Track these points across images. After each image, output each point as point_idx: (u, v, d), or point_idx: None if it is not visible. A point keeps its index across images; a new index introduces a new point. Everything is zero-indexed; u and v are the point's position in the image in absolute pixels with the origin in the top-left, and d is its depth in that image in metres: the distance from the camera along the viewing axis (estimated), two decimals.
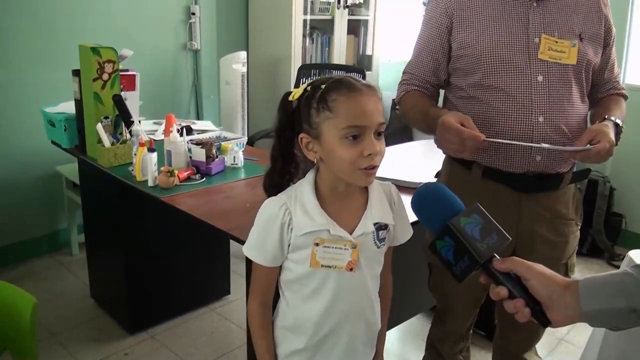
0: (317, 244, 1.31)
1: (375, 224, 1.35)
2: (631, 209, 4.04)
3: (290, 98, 1.32)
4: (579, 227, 1.83)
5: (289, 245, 1.33)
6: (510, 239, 1.09)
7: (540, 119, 1.63)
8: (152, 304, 2.88)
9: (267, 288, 1.41)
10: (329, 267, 1.33)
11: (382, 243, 1.38)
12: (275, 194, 1.35)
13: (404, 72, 1.85)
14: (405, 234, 1.47)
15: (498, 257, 1.07)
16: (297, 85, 3.78)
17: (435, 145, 1.87)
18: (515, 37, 1.64)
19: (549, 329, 2.70)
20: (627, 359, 1.98)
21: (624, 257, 2.09)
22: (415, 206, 1.18)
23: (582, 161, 1.61)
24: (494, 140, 1.57)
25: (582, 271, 3.77)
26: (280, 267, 1.39)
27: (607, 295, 1.01)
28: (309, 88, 1.29)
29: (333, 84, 1.26)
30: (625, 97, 1.80)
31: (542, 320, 1.04)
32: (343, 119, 1.23)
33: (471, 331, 2.04)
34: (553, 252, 1.76)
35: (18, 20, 3.32)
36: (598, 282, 1.03)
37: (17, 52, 3.35)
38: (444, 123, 1.53)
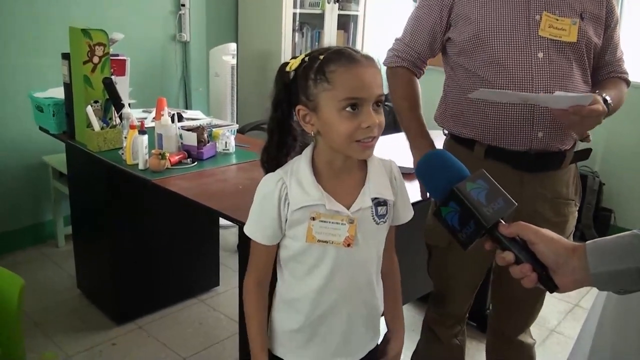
0: (313, 218, 1.28)
1: (373, 200, 1.32)
2: (620, 204, 4.07)
3: (287, 69, 1.27)
4: (578, 208, 1.83)
5: (286, 221, 1.30)
6: (517, 204, 1.07)
7: (541, 94, 1.61)
8: (140, 295, 2.83)
9: (264, 267, 1.38)
10: (326, 242, 1.30)
11: (382, 220, 1.35)
12: (273, 169, 1.32)
13: (396, 40, 1.83)
14: (407, 213, 1.44)
15: (504, 223, 1.06)
16: None
17: (435, 121, 1.88)
18: (517, 13, 1.63)
19: (539, 320, 2.70)
20: (619, 351, 1.96)
21: None
22: (420, 172, 1.18)
23: (571, 122, 1.55)
24: (498, 90, 1.58)
25: None
26: (278, 245, 1.36)
27: (616, 257, 0.99)
28: (306, 58, 1.25)
29: (331, 55, 1.22)
30: (627, 82, 1.80)
31: (549, 285, 1.03)
32: (341, 91, 1.20)
33: (467, 316, 2.02)
34: (554, 231, 1.74)
35: (7, 6, 3.27)
36: (606, 245, 1.01)
37: (6, 37, 3.30)
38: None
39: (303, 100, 1.25)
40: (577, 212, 1.83)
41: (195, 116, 3.02)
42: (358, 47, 5.01)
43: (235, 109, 4.00)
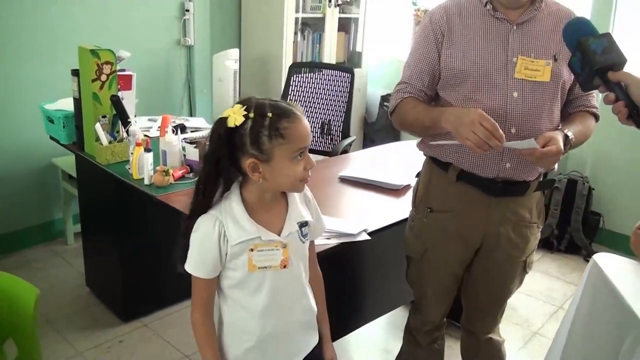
0: (251, 250, 1.47)
1: (298, 223, 1.54)
2: (609, 209, 4.19)
3: (230, 124, 1.39)
4: (540, 229, 2.01)
5: (226, 255, 1.47)
6: (627, 59, 1.43)
7: (513, 130, 1.77)
8: (146, 293, 3.00)
9: (209, 299, 1.54)
10: (265, 267, 1.49)
11: (306, 238, 1.57)
12: (201, 214, 1.47)
13: (399, 83, 1.96)
14: (321, 227, 1.67)
15: (613, 72, 1.40)
16: (287, 83, 3.89)
17: (417, 148, 2.02)
18: (496, 56, 1.79)
19: (523, 322, 2.84)
20: (588, 354, 2.12)
21: None
22: (566, 30, 1.55)
23: (530, 159, 1.71)
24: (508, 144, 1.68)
25: (560, 268, 3.94)
26: (219, 276, 1.52)
27: None
28: (250, 115, 1.38)
29: (278, 112, 1.39)
30: (595, 116, 1.93)
31: (636, 120, 1.37)
32: (294, 143, 1.40)
33: (445, 321, 2.20)
34: (515, 250, 1.95)
35: (17, 18, 3.41)
36: None
37: (15, 46, 3.45)
38: (482, 114, 1.62)
39: (254, 154, 1.40)
40: (539, 233, 2.01)
41: (198, 125, 3.16)
42: (358, 48, 5.17)
43: None
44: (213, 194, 1.47)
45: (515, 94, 1.77)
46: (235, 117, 1.38)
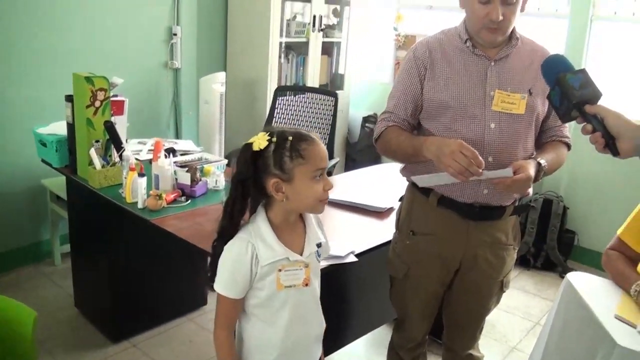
0: (279, 270, 1.59)
1: (316, 244, 1.68)
2: (583, 227, 4.35)
3: (255, 148, 1.54)
4: (516, 251, 2.14)
5: (255, 275, 1.58)
6: (602, 94, 1.52)
7: (490, 159, 1.90)
8: (134, 314, 3.06)
9: (234, 317, 1.66)
10: (290, 286, 1.62)
11: (320, 257, 1.72)
12: (230, 238, 1.60)
13: (383, 112, 2.07)
14: (327, 250, 1.81)
15: (590, 105, 1.50)
16: (273, 105, 4.00)
17: (400, 173, 2.14)
18: (475, 90, 1.92)
19: (501, 338, 2.96)
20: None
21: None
22: (544, 66, 1.66)
23: (499, 189, 1.84)
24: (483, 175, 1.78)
25: (537, 284, 4.06)
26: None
27: None
28: (273, 139, 1.54)
29: (298, 136, 1.55)
30: (567, 145, 2.06)
31: (612, 149, 1.48)
32: (313, 164, 1.55)
33: (427, 338, 2.31)
34: (492, 271, 2.07)
35: (9, 41, 3.49)
36: None
37: (9, 73, 3.52)
38: (462, 143, 1.73)
39: (277, 174, 1.54)
40: (515, 255, 2.14)
41: (187, 148, 3.24)
42: (341, 70, 5.30)
43: (224, 135, 4.24)
44: (240, 216, 1.60)
45: (492, 125, 1.90)
46: (260, 141, 1.53)
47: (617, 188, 4.11)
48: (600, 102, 1.54)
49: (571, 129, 2.06)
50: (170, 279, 3.18)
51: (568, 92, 1.51)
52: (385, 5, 5.38)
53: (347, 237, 2.34)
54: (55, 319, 3.20)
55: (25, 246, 3.80)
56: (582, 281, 2.16)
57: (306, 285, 1.64)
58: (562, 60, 1.64)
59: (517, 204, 2.05)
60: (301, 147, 1.53)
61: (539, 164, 1.85)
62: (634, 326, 1.87)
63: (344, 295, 2.46)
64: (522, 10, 1.90)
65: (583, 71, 1.55)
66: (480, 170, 1.71)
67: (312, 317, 1.71)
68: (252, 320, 1.66)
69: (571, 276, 2.20)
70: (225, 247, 1.59)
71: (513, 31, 1.95)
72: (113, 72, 3.05)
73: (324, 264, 2.06)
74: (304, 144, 1.54)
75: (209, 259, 1.69)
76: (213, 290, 1.62)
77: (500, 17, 1.82)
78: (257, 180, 1.56)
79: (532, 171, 1.79)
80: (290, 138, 1.53)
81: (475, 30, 1.92)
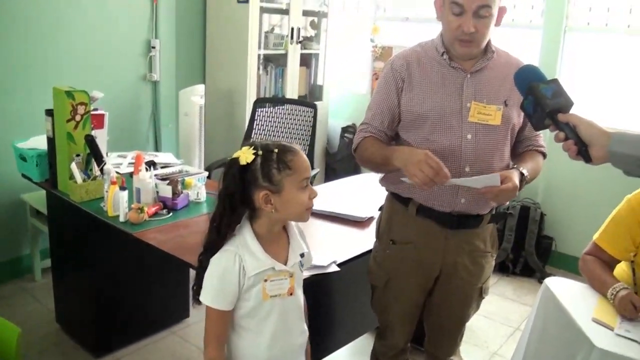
0: (265, 280, 1.63)
1: (300, 254, 1.71)
2: (560, 232, 4.42)
3: (242, 162, 1.57)
4: (494, 258, 2.18)
5: (242, 286, 1.62)
6: (574, 102, 1.56)
7: (467, 169, 1.94)
8: (117, 328, 3.04)
9: (223, 333, 1.67)
10: (276, 296, 1.65)
11: (303, 267, 1.76)
12: (216, 251, 1.62)
13: (361, 123, 2.13)
14: (310, 259, 1.83)
15: (563, 114, 1.54)
16: (252, 117, 4.02)
17: (380, 184, 2.17)
18: (451, 102, 1.96)
19: (482, 344, 3.00)
20: None
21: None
22: (517, 76, 1.69)
23: (487, 197, 1.89)
24: (453, 181, 1.83)
25: (516, 290, 4.11)
26: None
27: (629, 143, 1.46)
28: (259, 152, 1.57)
29: (283, 149, 1.59)
30: (543, 154, 2.12)
31: (585, 156, 1.51)
32: (300, 173, 1.59)
33: (409, 346, 2.34)
34: (471, 277, 2.11)
35: None
36: (628, 135, 1.48)
37: None
38: (428, 154, 1.78)
39: (265, 186, 1.57)
40: (493, 262, 2.19)
41: (167, 161, 3.25)
42: (319, 81, 5.34)
43: (203, 147, 4.25)
44: (228, 230, 1.62)
45: (469, 136, 1.95)
46: (246, 156, 1.56)
47: (592, 194, 4.18)
48: (572, 111, 1.58)
49: (546, 138, 2.11)
50: (152, 292, 3.17)
51: (541, 101, 1.55)
52: (362, 17, 5.45)
53: (328, 247, 2.37)
54: (37, 335, 3.17)
55: (4, 262, 3.76)
56: (560, 286, 2.21)
57: (291, 294, 1.68)
58: (534, 70, 1.68)
59: (494, 212, 2.09)
60: (287, 159, 1.57)
61: (521, 173, 1.90)
62: (611, 328, 1.92)
63: (326, 305, 2.48)
64: (497, 24, 1.95)
65: (555, 81, 1.60)
66: (446, 180, 1.77)
67: (295, 326, 1.74)
68: (238, 330, 1.68)
69: (549, 281, 2.26)
70: (213, 260, 1.61)
71: (489, 44, 2.01)
72: (92, 85, 3.05)
73: (306, 274, 2.08)
74: (290, 155, 1.58)
75: (195, 273, 1.70)
76: (199, 303, 1.64)
77: (472, 29, 1.87)
78: (245, 193, 1.59)
79: (517, 181, 1.84)
80: (276, 150, 1.57)
81: (449, 42, 1.97)
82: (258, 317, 1.65)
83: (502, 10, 1.94)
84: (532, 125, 1.67)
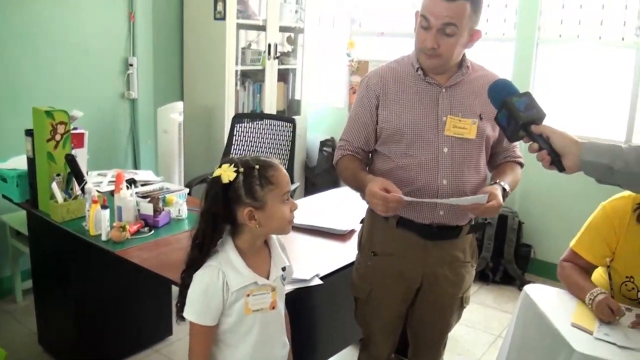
0: (248, 295, 1.64)
1: (282, 267, 1.74)
2: (538, 240, 4.49)
3: (225, 181, 1.59)
4: (474, 268, 2.22)
5: (226, 301, 1.63)
6: (546, 114, 1.61)
7: (445, 181, 1.99)
8: (100, 348, 3.01)
9: (209, 346, 1.69)
10: (258, 310, 1.67)
11: (285, 281, 1.78)
12: (198, 268, 1.64)
13: (340, 140, 2.18)
14: (291, 272, 1.85)
15: (536, 125, 1.59)
16: (231, 133, 4.04)
17: (361, 197, 2.20)
18: (427, 116, 2.01)
19: (465, 352, 3.03)
20: None
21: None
22: (490, 90, 1.75)
23: (473, 214, 1.97)
24: (412, 199, 1.89)
25: (496, 298, 4.16)
26: None
27: (599, 152, 1.51)
28: (240, 169, 1.59)
29: (263, 164, 1.62)
30: (521, 165, 2.18)
31: (558, 166, 1.57)
32: (281, 187, 1.63)
33: (393, 356, 2.36)
34: (452, 288, 2.14)
35: None
36: (598, 144, 1.54)
37: None
38: (370, 191, 1.86)
39: (249, 202, 1.59)
40: (473, 272, 2.22)
41: (147, 178, 3.25)
42: (297, 96, 5.38)
43: (183, 163, 4.25)
44: (210, 248, 1.63)
45: (445, 150, 1.99)
46: (228, 174, 1.58)
47: (568, 202, 4.25)
48: (545, 122, 1.62)
49: (522, 148, 2.16)
50: (135, 310, 3.16)
51: (514, 114, 1.60)
52: (337, 32, 5.51)
53: (310, 260, 2.39)
54: (20, 357, 3.14)
55: None
56: (539, 293, 2.25)
57: (273, 308, 1.70)
58: (507, 84, 1.73)
59: (472, 222, 2.13)
60: (269, 174, 1.60)
61: (504, 189, 1.95)
62: (590, 332, 1.96)
63: (309, 318, 2.50)
64: (468, 46, 2.00)
65: (527, 94, 1.65)
66: (404, 199, 1.85)
67: (276, 339, 1.76)
68: (220, 345, 1.70)
69: (528, 288, 2.29)
70: (196, 276, 1.63)
71: (463, 59, 2.05)
72: (70, 104, 3.05)
73: (289, 287, 2.10)
74: (271, 170, 1.61)
75: (178, 290, 1.71)
76: (183, 320, 1.65)
77: (435, 45, 1.92)
78: (228, 211, 1.61)
79: (501, 198, 1.88)
80: (257, 166, 1.60)
81: (417, 52, 2.03)
82: (240, 331, 1.67)
83: (475, 34, 1.98)
84: (507, 137, 1.71)
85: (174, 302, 3.30)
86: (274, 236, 1.78)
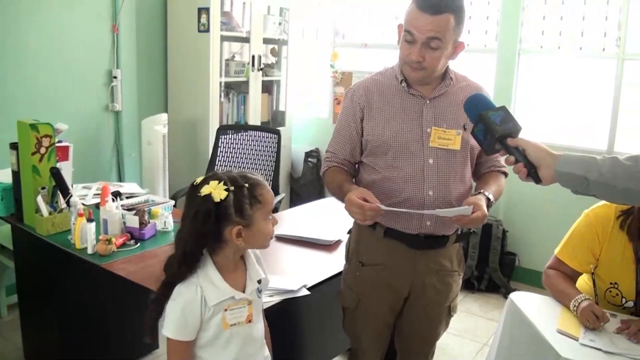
0: (225, 310, 1.65)
1: (257, 280, 1.74)
2: (523, 248, 4.53)
3: (216, 200, 1.57)
4: (461, 277, 2.23)
5: (204, 316, 1.63)
6: (522, 127, 1.64)
7: (430, 192, 2.01)
8: None
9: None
10: (235, 324, 1.67)
11: (261, 293, 1.78)
12: (180, 281, 1.63)
13: (326, 151, 2.20)
14: (266, 283, 1.85)
15: (512, 138, 1.62)
16: (216, 144, 4.04)
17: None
18: (412, 128, 2.03)
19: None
20: None
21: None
22: (466, 105, 1.77)
23: (458, 225, 1.99)
24: (392, 209, 1.91)
25: (482, 306, 4.19)
26: None
27: (574, 163, 1.54)
28: (231, 188, 1.59)
29: (252, 182, 1.63)
30: (505, 174, 2.20)
31: (535, 177, 1.59)
32: (267, 206, 1.66)
33: None
34: (439, 296, 2.15)
35: None
36: (573, 156, 1.56)
37: None
38: (348, 200, 1.88)
39: (237, 221, 1.59)
40: (460, 281, 2.24)
41: (132, 191, 3.25)
42: (282, 107, 5.39)
43: (167, 175, 4.24)
44: (195, 265, 1.63)
45: (430, 161, 2.01)
46: (219, 192, 1.57)
47: (552, 210, 4.29)
48: (527, 132, 1.65)
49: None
50: (121, 324, 3.14)
51: (491, 127, 1.62)
52: (321, 44, 5.54)
53: (298, 271, 2.40)
54: None
55: None
56: (524, 300, 2.28)
57: (249, 321, 1.70)
58: (483, 98, 1.76)
59: (459, 232, 2.15)
60: (258, 193, 1.63)
61: (488, 199, 1.97)
62: (575, 338, 1.98)
63: (297, 329, 2.50)
64: (452, 58, 2.02)
65: (503, 108, 1.67)
66: (382, 208, 1.86)
67: (256, 353, 1.76)
68: (201, 358, 1.69)
69: (514, 296, 2.32)
70: (175, 292, 1.62)
71: (447, 71, 2.08)
72: (54, 117, 3.04)
73: (276, 299, 2.11)
74: (259, 189, 1.63)
75: (153, 305, 1.69)
76: (152, 334, 1.67)
77: (420, 59, 1.94)
78: (216, 229, 1.60)
79: (485, 208, 1.90)
80: (247, 185, 1.61)
81: (401, 65, 2.05)
82: (217, 346, 1.67)
83: (459, 46, 2.00)
84: (484, 150, 1.75)
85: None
86: (250, 249, 1.78)
